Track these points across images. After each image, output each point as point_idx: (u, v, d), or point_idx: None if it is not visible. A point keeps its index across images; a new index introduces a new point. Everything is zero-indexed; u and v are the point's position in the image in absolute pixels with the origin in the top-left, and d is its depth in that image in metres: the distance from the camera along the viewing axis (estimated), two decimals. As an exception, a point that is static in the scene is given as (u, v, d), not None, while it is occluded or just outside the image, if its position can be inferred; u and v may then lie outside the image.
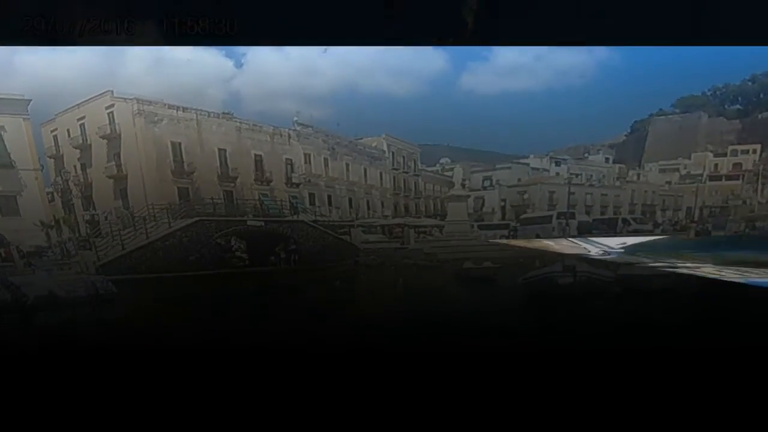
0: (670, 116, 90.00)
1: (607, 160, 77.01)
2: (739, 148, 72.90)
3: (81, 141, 35.35)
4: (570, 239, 34.12)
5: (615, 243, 31.66)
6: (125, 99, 33.69)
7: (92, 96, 35.11)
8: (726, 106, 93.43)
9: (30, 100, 30.58)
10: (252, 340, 13.98)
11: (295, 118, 44.03)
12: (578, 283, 19.07)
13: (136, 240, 25.61)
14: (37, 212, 29.50)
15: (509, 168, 60.59)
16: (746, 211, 56.54)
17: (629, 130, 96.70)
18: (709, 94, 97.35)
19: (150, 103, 33.78)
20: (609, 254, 28.80)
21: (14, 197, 28.97)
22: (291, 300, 22.31)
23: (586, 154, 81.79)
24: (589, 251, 30.39)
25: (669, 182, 69.27)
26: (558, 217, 44.36)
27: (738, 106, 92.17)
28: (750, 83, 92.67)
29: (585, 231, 40.37)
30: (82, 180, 36.32)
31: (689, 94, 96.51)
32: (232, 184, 36.97)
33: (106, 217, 30.03)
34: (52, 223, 29.17)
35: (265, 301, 21.42)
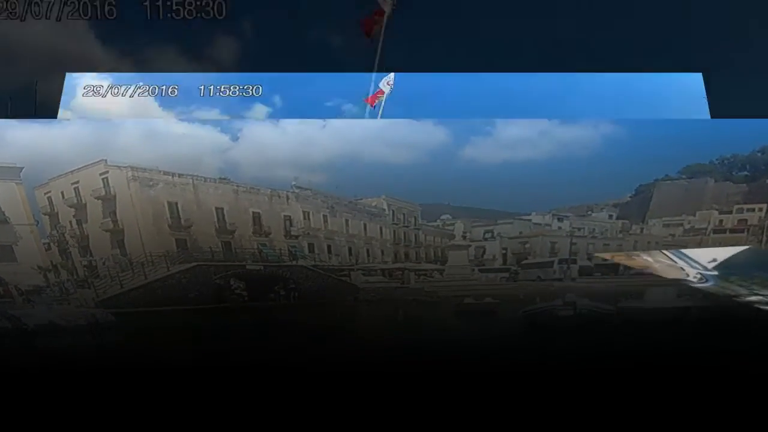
0: (676, 180, 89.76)
1: (610, 216, 76.54)
2: (745, 206, 72.15)
3: (76, 201, 35.67)
4: (664, 252, 34.27)
5: (707, 258, 31.18)
6: (119, 167, 34.37)
7: (85, 164, 35.89)
8: (733, 173, 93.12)
9: (22, 168, 31.91)
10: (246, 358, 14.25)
11: (293, 182, 44.45)
12: (578, 316, 19.03)
13: (134, 281, 26.54)
14: (34, 259, 30.89)
15: (511, 223, 60.21)
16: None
17: (634, 192, 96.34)
18: (716, 162, 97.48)
19: (145, 170, 34.40)
20: (702, 275, 28.56)
21: (10, 246, 30.37)
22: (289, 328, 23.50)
23: (589, 212, 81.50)
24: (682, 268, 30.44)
25: (672, 235, 68.58)
26: (559, 263, 44.45)
27: (745, 173, 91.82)
28: (759, 154, 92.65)
29: (586, 274, 40.98)
30: (78, 233, 36.49)
31: (696, 162, 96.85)
32: (231, 236, 37.04)
33: (104, 263, 30.87)
34: (50, 268, 30.50)
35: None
